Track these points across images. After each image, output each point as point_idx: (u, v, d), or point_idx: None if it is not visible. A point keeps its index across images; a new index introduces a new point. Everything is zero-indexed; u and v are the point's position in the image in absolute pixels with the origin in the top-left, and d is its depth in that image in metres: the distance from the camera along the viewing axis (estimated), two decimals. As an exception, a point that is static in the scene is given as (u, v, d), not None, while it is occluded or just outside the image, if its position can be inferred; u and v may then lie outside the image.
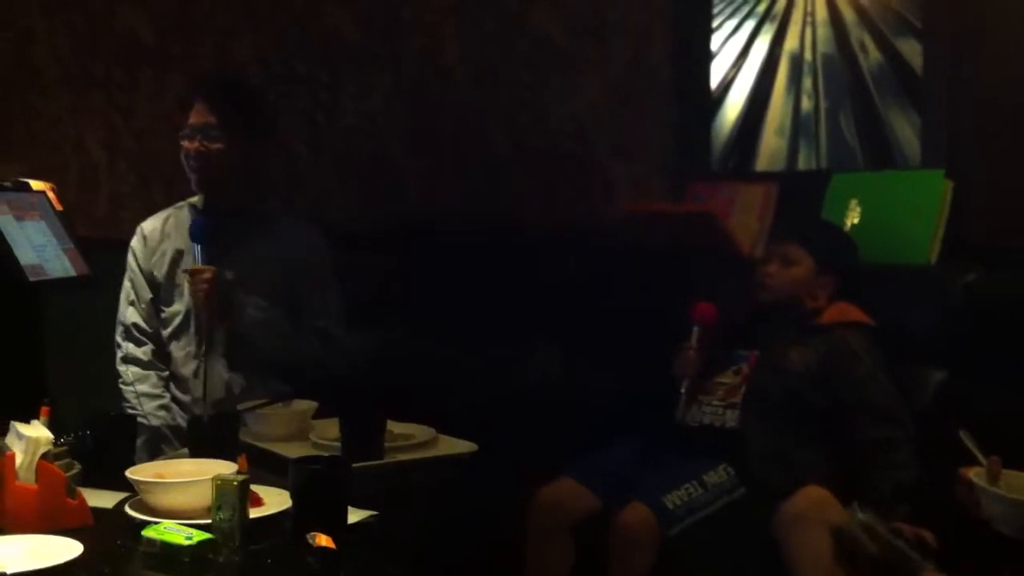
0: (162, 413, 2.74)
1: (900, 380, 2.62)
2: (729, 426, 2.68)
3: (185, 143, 2.71)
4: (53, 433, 1.93)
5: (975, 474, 1.92)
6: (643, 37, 3.43)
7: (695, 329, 2.77)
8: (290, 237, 2.80)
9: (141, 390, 2.76)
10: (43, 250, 2.59)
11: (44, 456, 1.86)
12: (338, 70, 3.77)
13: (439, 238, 3.55)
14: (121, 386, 2.79)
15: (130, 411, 2.74)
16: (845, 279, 2.74)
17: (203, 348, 2.66)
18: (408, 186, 3.80)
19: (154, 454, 2.59)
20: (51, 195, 2.77)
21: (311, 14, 3.79)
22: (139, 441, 2.63)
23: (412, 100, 3.79)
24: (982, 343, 2.62)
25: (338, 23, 3.85)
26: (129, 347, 2.80)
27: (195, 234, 2.66)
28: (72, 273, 2.60)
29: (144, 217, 2.91)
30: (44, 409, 1.97)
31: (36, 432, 1.87)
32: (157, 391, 2.77)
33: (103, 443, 2.18)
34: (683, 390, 2.75)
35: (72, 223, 2.83)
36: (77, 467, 1.96)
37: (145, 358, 2.79)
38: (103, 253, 2.88)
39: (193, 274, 2.62)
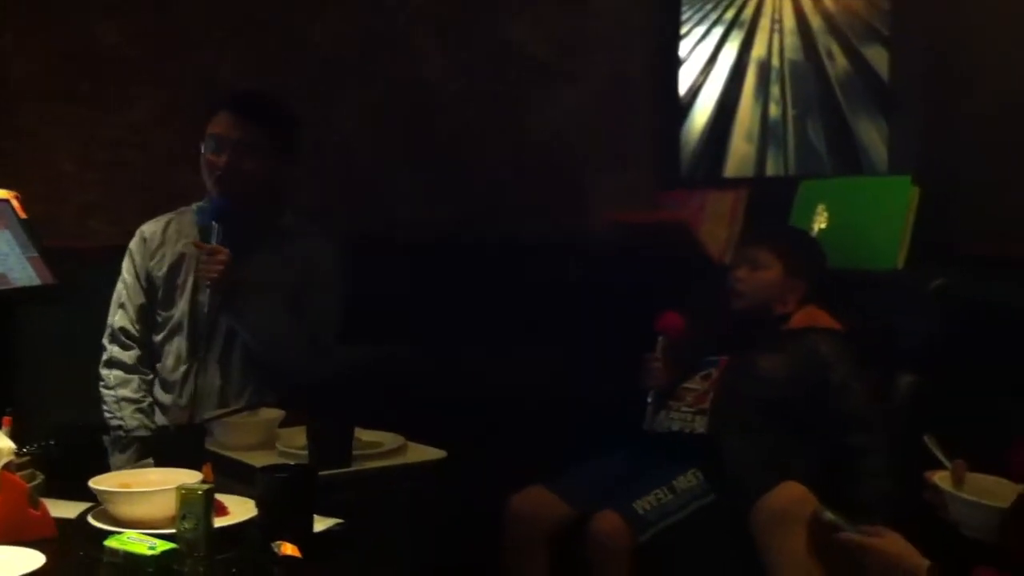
0: (139, 416, 2.71)
1: (870, 384, 2.62)
2: (698, 432, 2.69)
3: (210, 155, 2.69)
4: (16, 443, 1.90)
5: (940, 478, 1.93)
6: (622, 49, 3.46)
7: (660, 339, 2.77)
8: (300, 248, 2.78)
9: (121, 394, 2.73)
10: (6, 259, 2.54)
11: (6, 467, 1.83)
12: (318, 86, 3.77)
13: (419, 249, 3.55)
14: (102, 390, 2.76)
15: (107, 415, 2.72)
16: (814, 284, 2.75)
17: (199, 352, 2.66)
18: (390, 198, 3.80)
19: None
20: (15, 203, 2.72)
21: (290, 28, 3.79)
22: (127, 453, 2.62)
23: (394, 115, 3.79)
24: (950, 347, 2.63)
25: (319, 39, 3.84)
26: (114, 350, 2.77)
27: (216, 213, 2.63)
28: (37, 282, 2.55)
29: (113, 227, 2.87)
30: (6, 419, 1.94)
31: (-2, 442, 1.85)
32: (137, 395, 2.74)
33: (68, 453, 2.15)
34: (649, 400, 2.75)
35: (38, 233, 2.79)
36: (40, 477, 1.93)
37: (130, 362, 2.76)
38: (73, 264, 2.84)
39: (209, 252, 2.60)
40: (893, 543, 1.78)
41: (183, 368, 2.71)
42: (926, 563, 1.74)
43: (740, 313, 2.77)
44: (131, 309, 2.78)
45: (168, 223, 2.83)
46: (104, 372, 2.77)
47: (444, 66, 3.75)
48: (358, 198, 3.79)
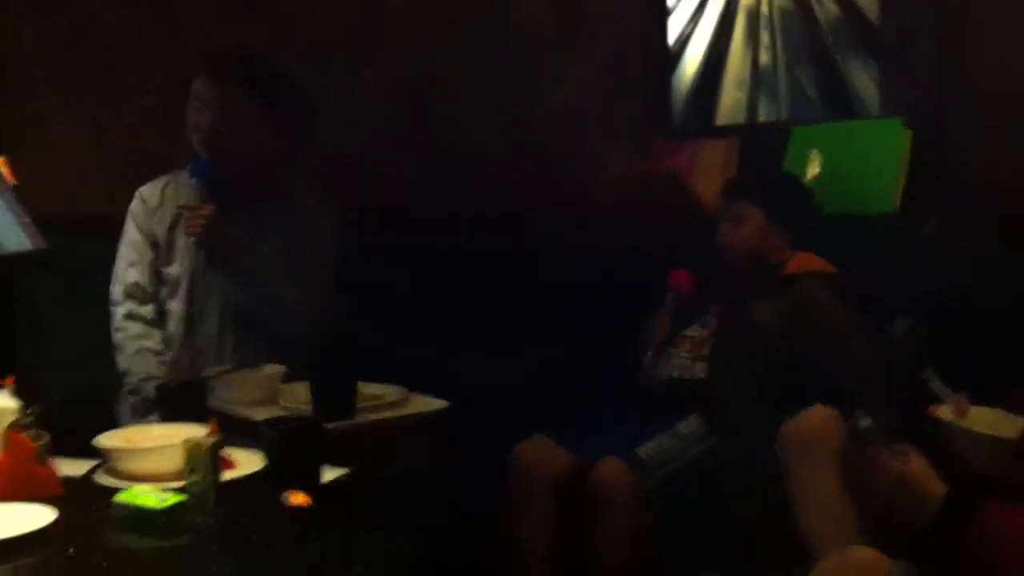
0: (162, 368, 2.72)
1: (867, 327, 2.63)
2: (698, 377, 2.70)
3: (192, 116, 2.74)
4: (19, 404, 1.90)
5: (942, 412, 1.93)
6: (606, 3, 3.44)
7: (669, 295, 2.77)
8: (296, 207, 2.81)
9: (145, 345, 2.75)
10: (-2, 225, 2.53)
11: (11, 426, 1.83)
12: (323, 61, 3.75)
13: (423, 222, 3.54)
14: (123, 342, 2.76)
15: (126, 366, 2.73)
16: (801, 226, 2.74)
17: (196, 309, 2.70)
18: (395, 174, 3.79)
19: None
20: (4, 169, 2.70)
21: (296, 5, 3.77)
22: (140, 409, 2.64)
23: (397, 89, 3.77)
24: (946, 288, 2.64)
25: (323, 14, 3.82)
26: (131, 305, 2.79)
27: (195, 170, 2.69)
28: (29, 247, 2.53)
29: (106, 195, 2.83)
30: (8, 380, 1.93)
31: (1, 402, 1.84)
32: (159, 348, 2.76)
33: (70, 413, 2.15)
34: (650, 354, 2.75)
35: (33, 199, 2.77)
36: (46, 437, 1.92)
37: (149, 316, 2.78)
38: (66, 230, 2.83)
39: (189, 209, 2.64)
40: (919, 467, 1.78)
41: (182, 326, 2.75)
42: (944, 491, 1.75)
43: (732, 267, 2.77)
44: (142, 266, 2.80)
45: (166, 184, 2.86)
46: (123, 324, 2.78)
47: (439, 35, 3.73)
48: (359, 174, 3.77)
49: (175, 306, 2.77)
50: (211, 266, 2.70)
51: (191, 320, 2.73)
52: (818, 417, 2.34)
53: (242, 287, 2.71)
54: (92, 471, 1.91)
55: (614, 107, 3.47)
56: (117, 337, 2.78)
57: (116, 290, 2.81)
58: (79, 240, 2.80)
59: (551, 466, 2.63)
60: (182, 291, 2.76)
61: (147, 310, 2.79)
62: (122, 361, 2.75)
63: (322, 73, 3.69)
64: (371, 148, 3.80)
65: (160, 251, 2.81)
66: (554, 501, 2.61)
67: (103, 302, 2.83)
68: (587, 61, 3.51)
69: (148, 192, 2.86)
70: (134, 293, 2.79)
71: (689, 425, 2.60)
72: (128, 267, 2.81)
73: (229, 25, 3.67)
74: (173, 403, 2.15)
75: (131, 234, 2.83)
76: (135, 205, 2.86)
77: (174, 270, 2.78)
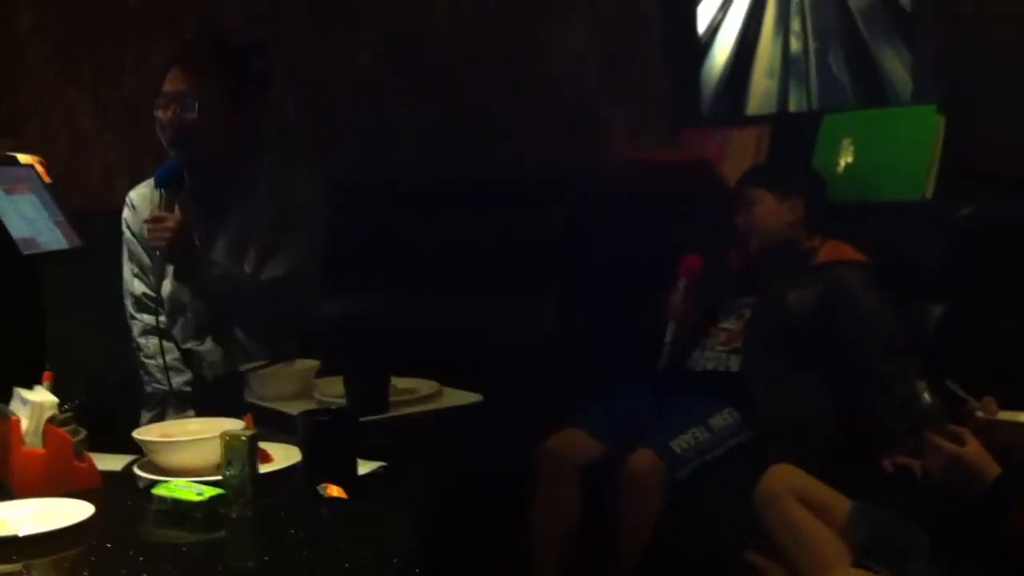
0: (188, 390, 2.61)
1: (899, 315, 2.62)
2: (733, 371, 2.69)
3: (159, 112, 2.60)
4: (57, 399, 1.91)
5: (980, 412, 1.92)
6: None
7: (680, 283, 2.76)
8: (276, 189, 2.66)
9: (169, 362, 2.63)
10: (34, 223, 2.54)
11: (50, 421, 1.84)
12: (326, 25, 3.74)
13: (434, 190, 3.54)
14: (144, 360, 2.68)
15: (156, 387, 2.65)
16: (814, 200, 2.74)
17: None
18: (400, 139, 3.79)
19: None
20: (40, 168, 2.72)
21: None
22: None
23: (402, 52, 3.77)
24: (980, 275, 2.62)
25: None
26: (144, 318, 2.70)
27: (159, 179, 2.53)
28: (65, 245, 2.55)
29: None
30: (47, 374, 1.95)
31: (40, 397, 1.85)
32: (182, 366, 2.65)
33: (108, 409, 2.17)
34: (668, 339, 2.74)
35: (64, 195, 2.79)
36: (83, 432, 1.94)
37: (163, 327, 2.68)
38: (99, 223, 2.84)
39: (154, 221, 2.49)
40: (974, 449, 1.78)
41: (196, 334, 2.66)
42: (998, 471, 1.75)
43: (759, 253, 2.77)
44: (146, 273, 2.72)
45: (153, 187, 2.70)
46: (141, 341, 2.70)
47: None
48: (357, 142, 3.77)
49: (189, 316, 2.67)
50: (179, 280, 2.58)
51: (209, 327, 2.65)
52: (777, 472, 2.29)
53: (203, 296, 2.60)
54: (130, 465, 1.92)
55: (641, 93, 3.46)
56: (138, 355, 2.70)
57: (128, 302, 2.73)
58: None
59: (582, 456, 2.63)
60: (189, 300, 2.65)
61: (161, 320, 2.68)
62: (146, 377, 2.68)
63: (322, 37, 3.67)
64: (368, 114, 3.77)
65: (154, 260, 2.69)
66: (580, 490, 2.62)
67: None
68: (592, 22, 3.49)
69: (137, 196, 2.74)
70: (143, 304, 2.71)
71: (723, 419, 2.59)
72: (133, 278, 2.73)
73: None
74: (210, 398, 2.16)
75: (128, 242, 2.73)
76: (126, 212, 2.74)
77: (167, 284, 2.66)
